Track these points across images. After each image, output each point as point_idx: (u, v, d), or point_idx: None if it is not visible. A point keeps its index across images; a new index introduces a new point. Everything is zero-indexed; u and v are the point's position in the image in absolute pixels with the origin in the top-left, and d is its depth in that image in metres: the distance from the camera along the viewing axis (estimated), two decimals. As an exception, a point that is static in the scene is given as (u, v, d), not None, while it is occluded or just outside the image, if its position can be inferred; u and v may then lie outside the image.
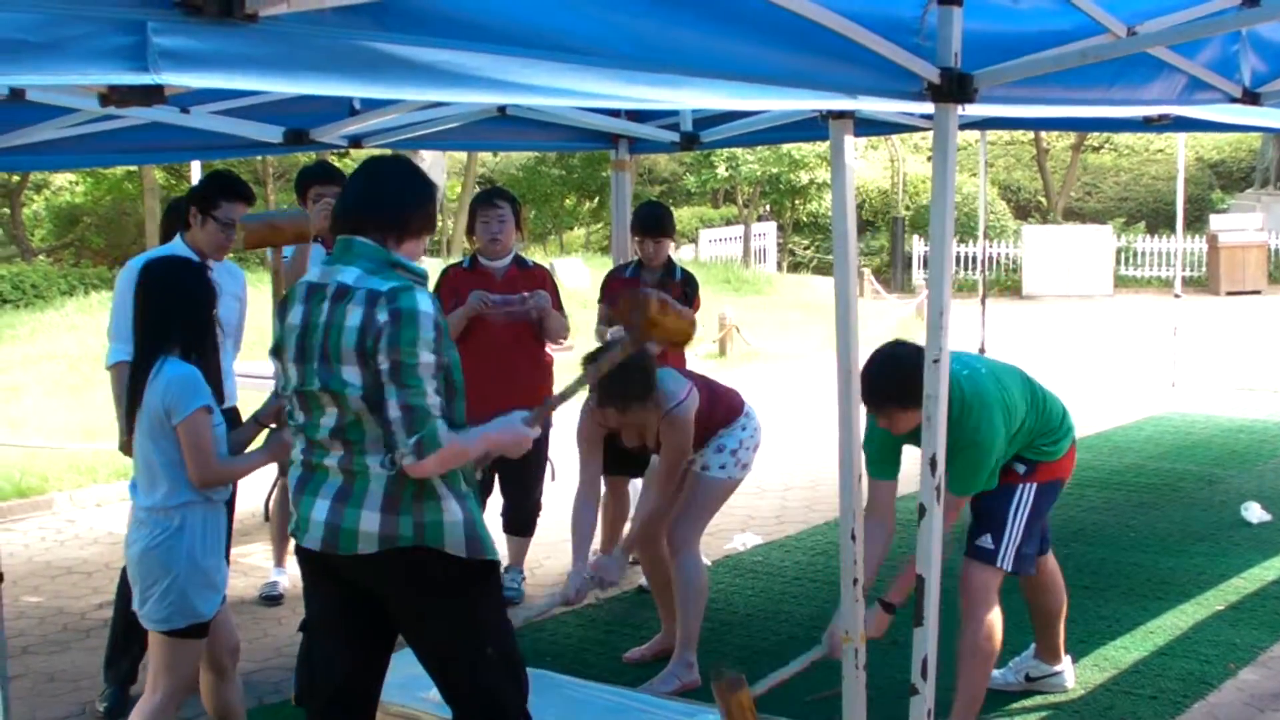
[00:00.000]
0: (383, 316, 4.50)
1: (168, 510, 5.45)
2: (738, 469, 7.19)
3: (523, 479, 8.48)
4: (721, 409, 7.18)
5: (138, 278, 5.79)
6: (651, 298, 5.16)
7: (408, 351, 4.48)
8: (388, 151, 11.65)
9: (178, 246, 7.18)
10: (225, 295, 7.21)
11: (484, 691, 4.81)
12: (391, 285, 4.57)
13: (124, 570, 7.16)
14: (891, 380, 5.80)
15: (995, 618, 6.24)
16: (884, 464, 6.23)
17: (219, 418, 5.54)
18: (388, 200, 4.74)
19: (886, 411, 5.86)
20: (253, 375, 9.64)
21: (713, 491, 7.16)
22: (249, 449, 5.80)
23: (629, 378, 6.50)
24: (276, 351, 4.85)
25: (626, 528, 8.21)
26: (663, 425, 6.89)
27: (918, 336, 5.96)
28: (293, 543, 4.94)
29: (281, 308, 4.89)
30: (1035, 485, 6.29)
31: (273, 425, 5.78)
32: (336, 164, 9.62)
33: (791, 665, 6.27)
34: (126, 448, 6.84)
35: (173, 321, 5.56)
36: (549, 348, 8.27)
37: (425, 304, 4.56)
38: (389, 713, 5.87)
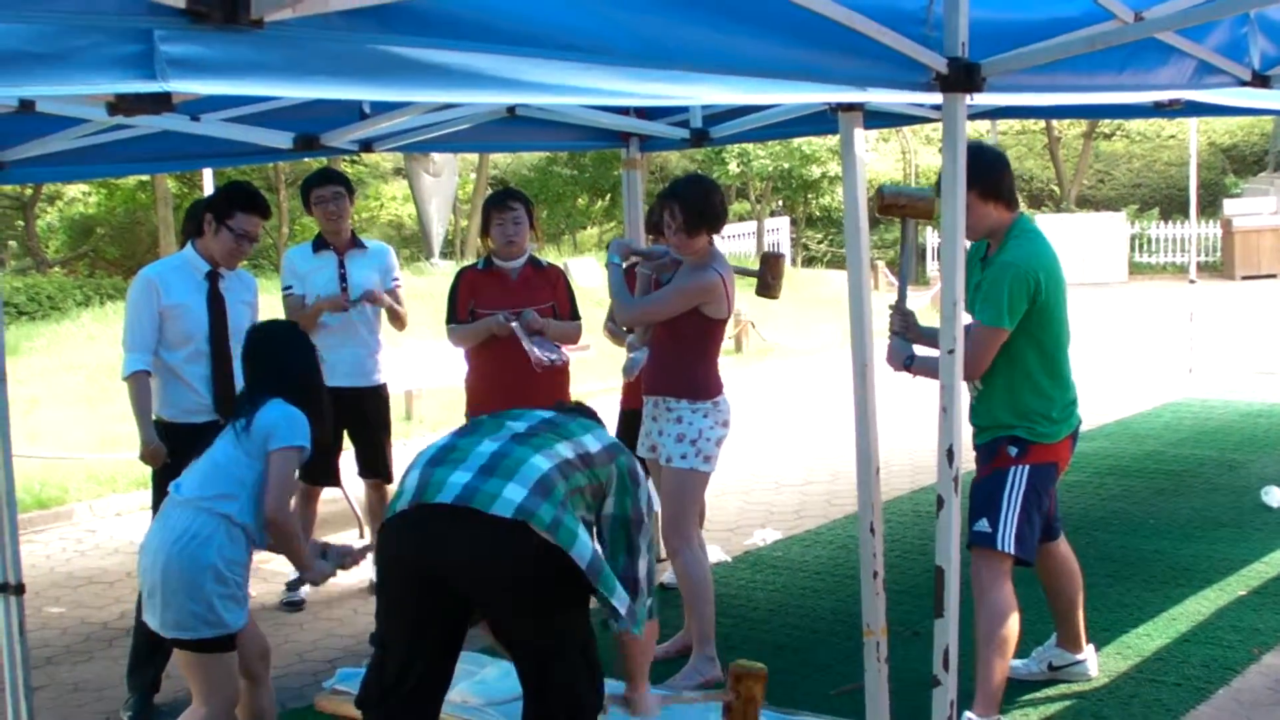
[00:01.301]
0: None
1: (212, 514, 5.52)
2: (699, 459, 7.11)
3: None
4: (704, 374, 7.20)
5: (246, 339, 6.09)
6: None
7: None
8: (398, 156, 11.67)
9: (189, 254, 7.20)
10: (237, 303, 7.23)
11: (568, 689, 4.94)
12: None
13: None
14: (975, 161, 5.95)
15: (1009, 606, 6.23)
16: None
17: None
18: None
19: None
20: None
21: (680, 485, 7.14)
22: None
23: (705, 199, 7.13)
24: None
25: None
26: (685, 266, 7.15)
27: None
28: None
29: None
30: (1028, 468, 6.28)
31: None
32: (348, 169, 9.65)
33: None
34: (147, 456, 6.87)
35: (287, 380, 5.82)
36: (565, 349, 8.26)
37: None
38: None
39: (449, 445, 5.06)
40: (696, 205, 7.02)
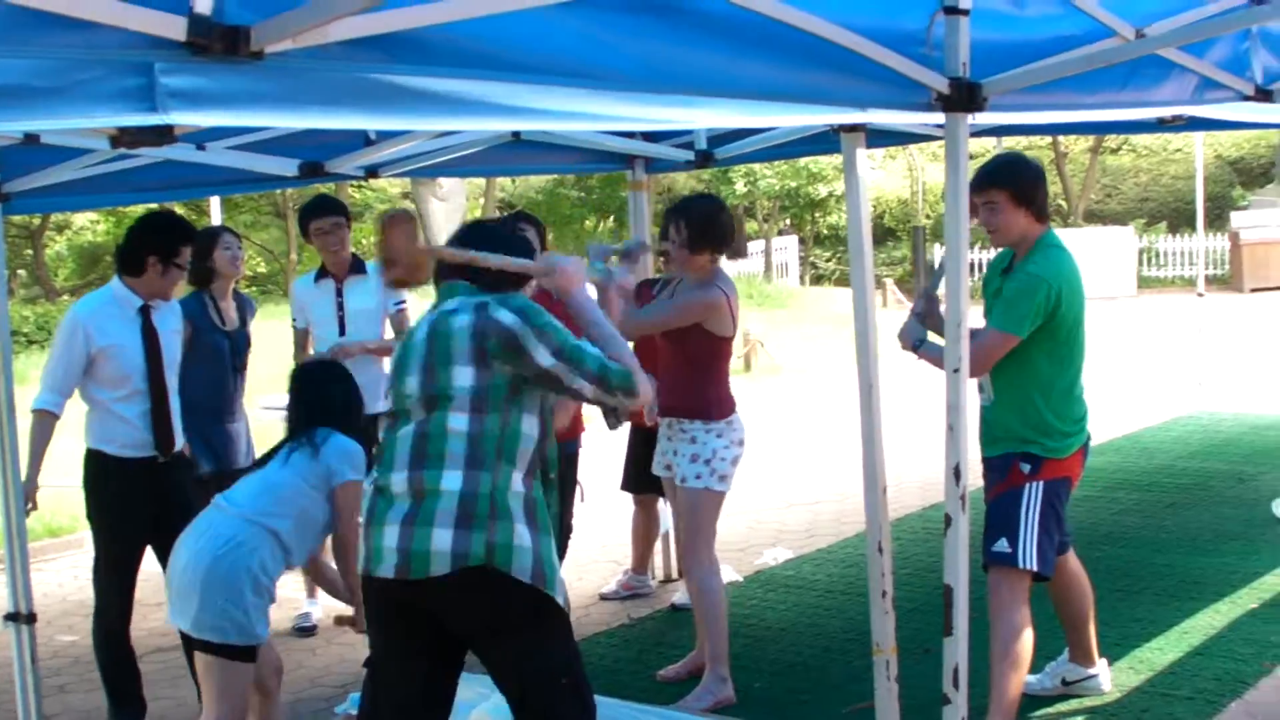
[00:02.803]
0: (505, 318, 4.74)
1: (259, 527, 5.65)
2: (714, 479, 7.09)
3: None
4: (717, 394, 7.20)
5: (294, 380, 6.30)
6: None
7: (557, 334, 4.77)
8: (405, 181, 11.68)
9: (117, 289, 7.11)
10: (168, 333, 7.19)
11: (552, 713, 4.84)
12: (495, 297, 4.86)
13: (96, 612, 7.23)
14: (1006, 165, 6.23)
15: (1024, 623, 6.23)
16: None
17: None
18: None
19: (988, 194, 5.94)
20: (277, 408, 9.67)
21: (696, 506, 7.12)
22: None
23: (711, 219, 7.14)
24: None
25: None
26: (687, 281, 7.17)
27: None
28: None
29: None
30: (1042, 484, 6.27)
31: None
32: (354, 194, 9.66)
33: None
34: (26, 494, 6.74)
35: (336, 412, 6.03)
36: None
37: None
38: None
39: (371, 500, 4.89)
40: (701, 222, 7.04)
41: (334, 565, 6.11)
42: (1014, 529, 6.22)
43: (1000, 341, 6.15)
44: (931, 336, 6.39)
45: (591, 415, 8.61)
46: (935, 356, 6.15)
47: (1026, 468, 6.29)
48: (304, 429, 5.93)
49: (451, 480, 4.67)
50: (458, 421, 4.70)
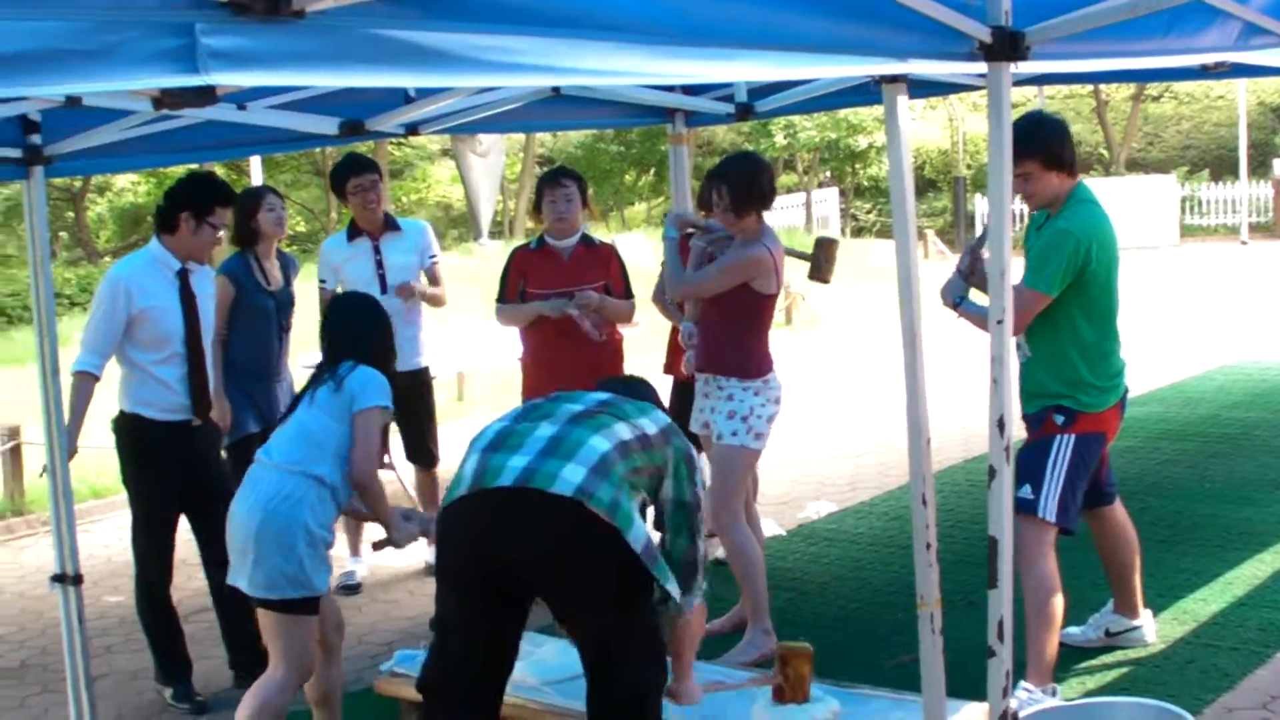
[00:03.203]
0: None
1: (302, 476, 5.66)
2: (750, 437, 7.10)
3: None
4: (755, 351, 7.21)
5: (329, 310, 6.38)
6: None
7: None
8: (445, 138, 11.68)
9: (157, 251, 7.17)
10: (204, 298, 7.24)
11: (632, 671, 4.92)
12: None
13: (136, 574, 7.28)
14: (1032, 133, 6.24)
15: (1052, 577, 6.24)
16: None
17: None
18: None
19: (1021, 165, 5.93)
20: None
21: (730, 461, 7.14)
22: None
23: (751, 178, 7.14)
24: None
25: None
26: (736, 241, 7.16)
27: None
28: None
29: None
30: (1074, 437, 6.29)
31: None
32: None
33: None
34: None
35: (366, 347, 5.98)
36: (620, 327, 8.25)
37: None
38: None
39: (506, 430, 5.05)
40: (743, 185, 7.02)
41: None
42: (1039, 477, 6.26)
43: (1032, 299, 6.14)
44: (974, 295, 6.38)
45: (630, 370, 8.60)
46: (976, 315, 6.17)
47: (1060, 419, 6.31)
48: (333, 362, 5.91)
49: (600, 443, 4.87)
50: (623, 432, 5.01)
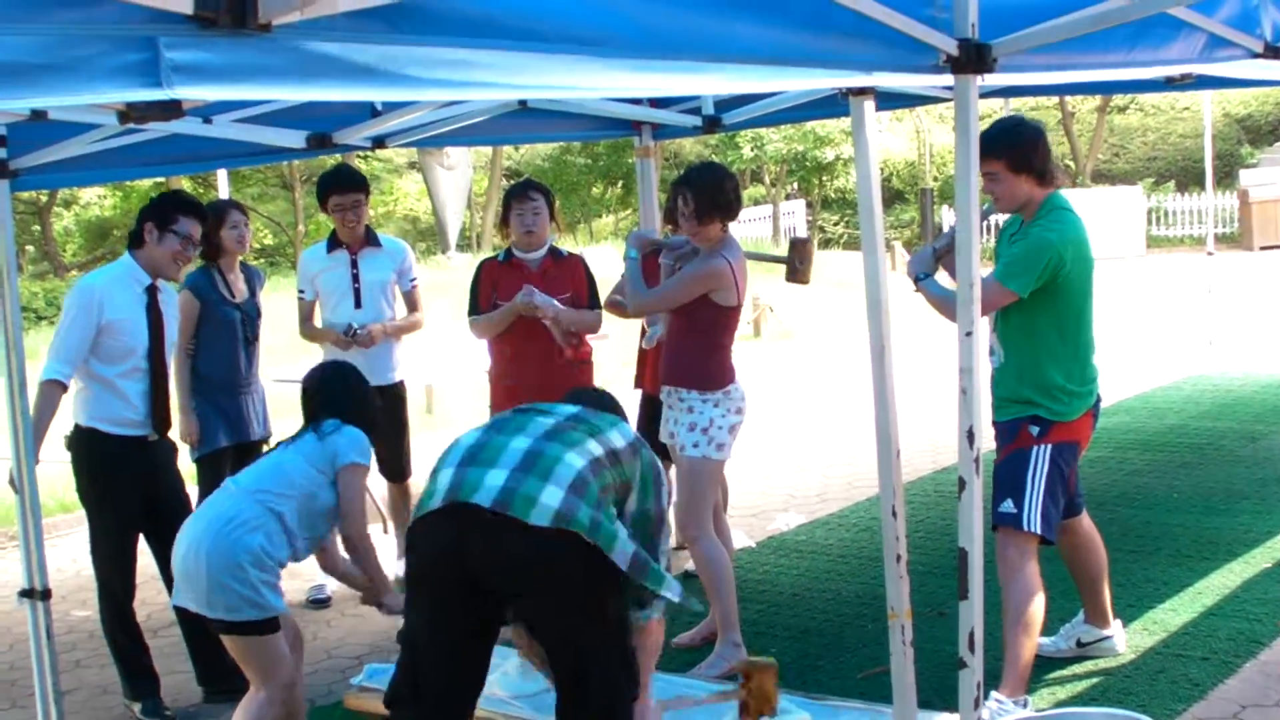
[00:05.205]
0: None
1: (263, 507, 5.68)
2: (712, 448, 7.10)
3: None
4: (716, 363, 7.19)
5: (309, 380, 6.30)
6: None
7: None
8: (412, 151, 11.67)
9: (129, 264, 7.16)
10: (170, 318, 7.23)
11: (605, 682, 4.89)
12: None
13: (99, 591, 7.25)
14: (999, 134, 6.27)
15: (1034, 585, 6.25)
16: None
17: None
18: None
19: (986, 164, 5.92)
20: (289, 380, 9.68)
21: (694, 473, 7.14)
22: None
23: (717, 186, 7.13)
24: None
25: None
26: (701, 255, 7.16)
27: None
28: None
29: None
30: (1050, 447, 6.30)
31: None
32: (361, 166, 9.65)
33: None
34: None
35: (343, 414, 6.05)
36: (589, 338, 8.25)
37: None
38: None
39: (479, 443, 5.01)
40: (708, 193, 7.03)
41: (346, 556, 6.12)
42: (1020, 491, 6.26)
43: (997, 293, 6.15)
44: (941, 277, 6.39)
45: (601, 381, 8.60)
46: (934, 294, 6.21)
47: (1035, 430, 6.31)
48: (317, 419, 6.01)
49: (575, 460, 4.83)
50: (594, 448, 4.98)
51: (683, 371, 7.17)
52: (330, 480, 5.82)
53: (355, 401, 6.14)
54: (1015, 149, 6.25)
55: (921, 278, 6.40)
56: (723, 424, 7.11)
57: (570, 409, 5.25)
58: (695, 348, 7.12)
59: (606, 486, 4.88)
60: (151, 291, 7.10)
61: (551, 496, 4.68)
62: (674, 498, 7.15)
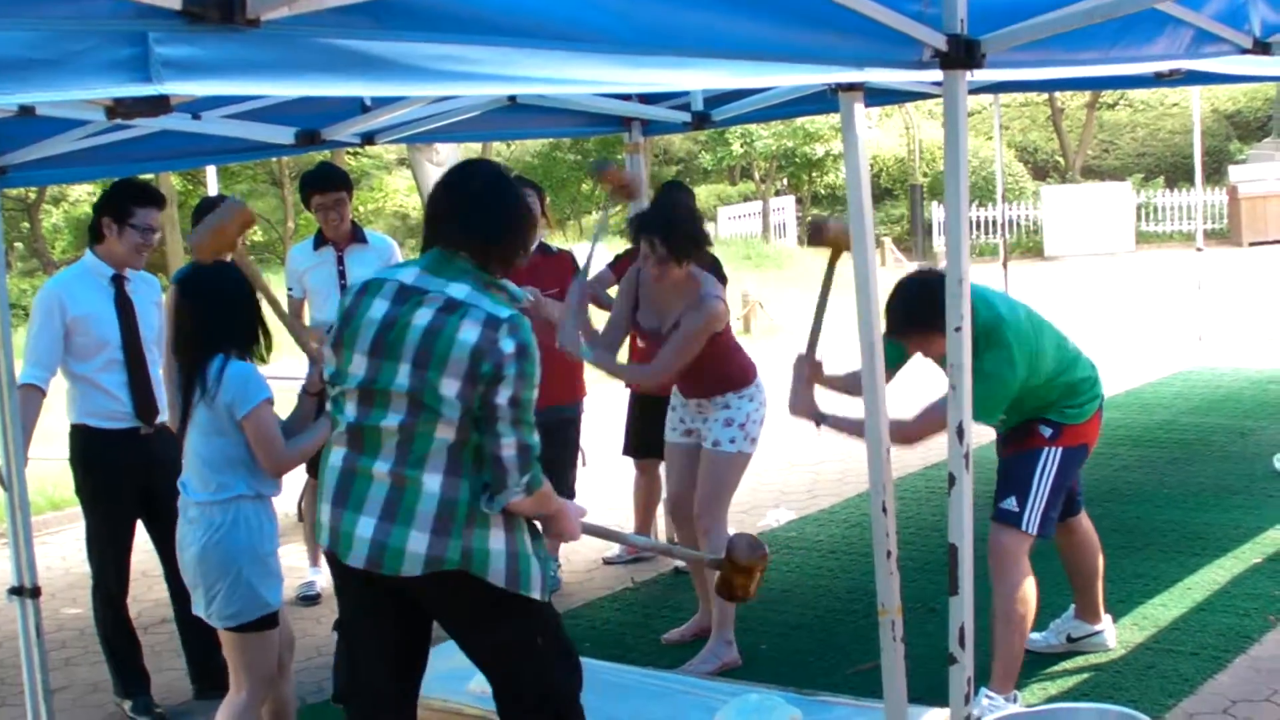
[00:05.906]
0: (508, 347, 4.56)
1: (223, 504, 5.58)
2: (746, 443, 7.19)
3: (555, 466, 8.46)
4: (738, 364, 7.28)
5: (179, 289, 6.02)
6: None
7: (529, 387, 4.59)
8: (401, 147, 11.65)
9: (89, 261, 7.11)
10: (146, 304, 7.16)
11: (534, 676, 4.85)
12: (511, 313, 4.64)
13: (93, 587, 7.24)
14: (902, 307, 6.21)
15: (1026, 582, 6.25)
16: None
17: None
18: (495, 226, 4.82)
19: (908, 337, 5.86)
20: (284, 377, 9.66)
21: (727, 468, 7.17)
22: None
23: (689, 224, 7.03)
24: (335, 344, 4.80)
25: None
26: (687, 307, 7.01)
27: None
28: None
29: (349, 299, 4.84)
30: (1060, 450, 6.30)
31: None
32: (351, 162, 9.62)
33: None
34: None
35: (225, 326, 5.67)
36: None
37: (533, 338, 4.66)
38: (430, 707, 5.85)
39: (345, 472, 4.78)
40: (678, 235, 6.95)
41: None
42: (1025, 491, 6.25)
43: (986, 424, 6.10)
44: (833, 400, 6.31)
45: (591, 379, 8.60)
46: (849, 426, 6.12)
47: (1048, 432, 6.33)
48: (192, 355, 5.66)
49: (433, 483, 4.63)
50: (444, 431, 4.62)
51: (713, 383, 7.20)
52: (243, 439, 5.59)
53: (240, 318, 5.71)
54: (919, 318, 6.06)
55: (821, 420, 6.37)
56: (756, 417, 7.24)
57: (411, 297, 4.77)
58: (714, 357, 7.09)
59: (471, 446, 4.65)
60: (117, 282, 7.04)
61: (418, 544, 4.59)
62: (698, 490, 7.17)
